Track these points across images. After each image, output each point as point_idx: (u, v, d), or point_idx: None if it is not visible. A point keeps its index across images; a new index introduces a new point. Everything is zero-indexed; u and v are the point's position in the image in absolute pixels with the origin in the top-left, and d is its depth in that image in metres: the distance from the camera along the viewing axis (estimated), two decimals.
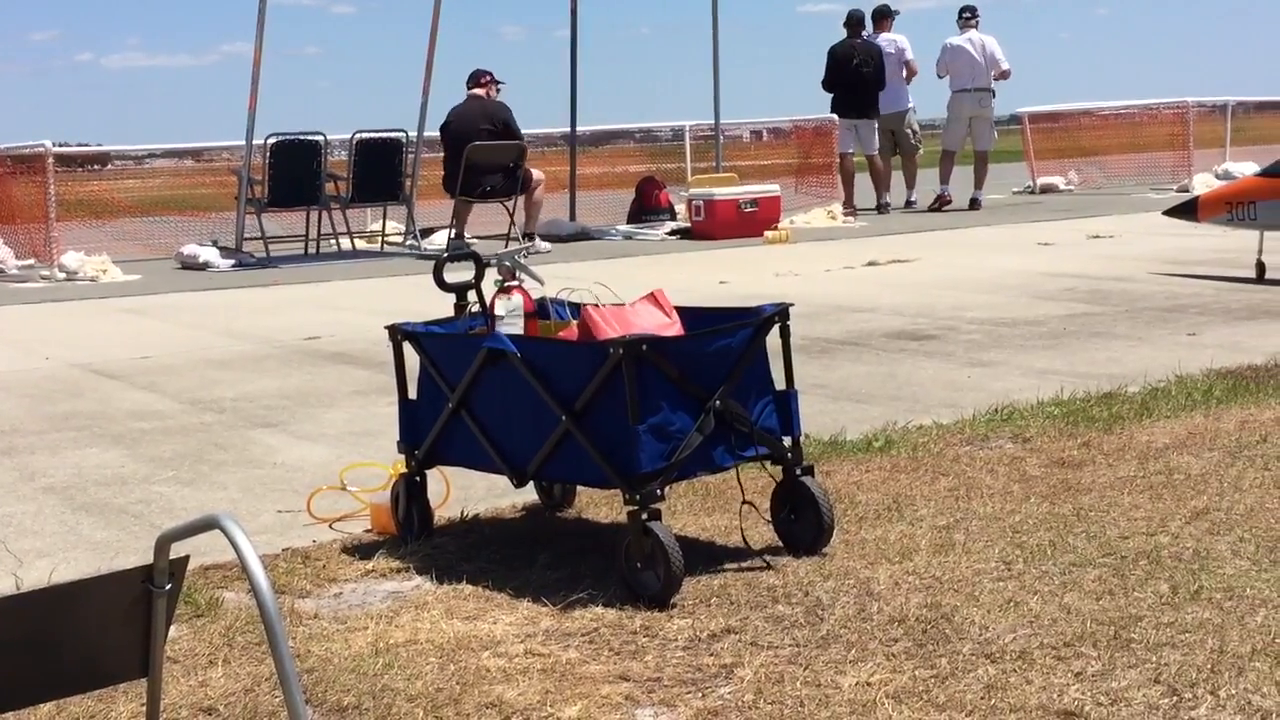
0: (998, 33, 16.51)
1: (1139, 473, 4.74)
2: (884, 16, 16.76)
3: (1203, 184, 17.10)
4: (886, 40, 16.63)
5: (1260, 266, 9.32)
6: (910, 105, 16.98)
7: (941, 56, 16.56)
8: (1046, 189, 19.61)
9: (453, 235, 13.67)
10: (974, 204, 16.51)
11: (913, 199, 16.93)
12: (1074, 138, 21.60)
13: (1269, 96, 28.48)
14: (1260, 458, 4.84)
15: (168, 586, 2.36)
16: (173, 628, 2.93)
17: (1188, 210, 10.04)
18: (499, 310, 4.32)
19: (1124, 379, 6.26)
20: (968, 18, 16.55)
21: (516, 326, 4.29)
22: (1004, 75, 16.58)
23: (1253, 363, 6.51)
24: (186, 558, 2.40)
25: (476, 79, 13.87)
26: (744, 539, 4.09)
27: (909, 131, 16.91)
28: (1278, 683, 3.02)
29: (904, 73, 16.64)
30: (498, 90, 13.83)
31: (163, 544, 2.36)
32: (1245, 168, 17.26)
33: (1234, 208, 9.41)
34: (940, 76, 16.64)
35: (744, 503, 4.11)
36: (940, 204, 16.43)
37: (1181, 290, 9.17)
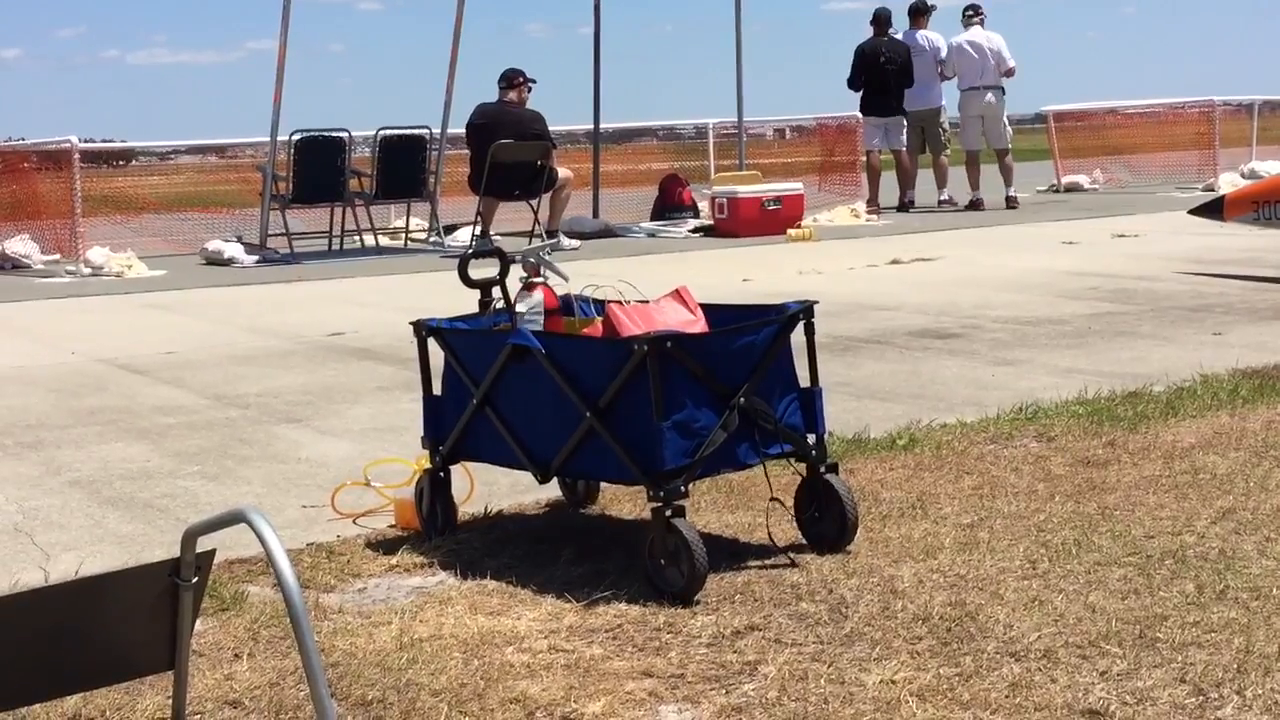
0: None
1: (1164, 472, 4.72)
2: (920, 13, 16.70)
3: (1229, 183, 17.04)
4: (922, 37, 16.57)
5: None
6: (943, 103, 16.92)
7: (948, 56, 16.49)
8: (1071, 188, 19.55)
9: (477, 232, 13.67)
10: (1011, 202, 16.37)
11: (944, 198, 16.87)
12: (1099, 136, 21.54)
13: None
14: None
15: (194, 580, 2.38)
16: (198, 621, 2.94)
17: (1214, 209, 10.02)
18: (520, 307, 4.33)
19: (1149, 378, 6.24)
20: (971, 15, 16.47)
21: (537, 324, 4.29)
22: (1009, 73, 16.48)
23: (1279, 362, 6.48)
24: (213, 551, 2.42)
25: (510, 80, 13.65)
26: (769, 536, 4.09)
27: (940, 129, 16.85)
28: None
29: (938, 70, 16.58)
30: (529, 90, 13.76)
31: (189, 538, 2.37)
32: (1271, 167, 17.22)
33: (1260, 207, 9.39)
34: (948, 77, 16.56)
35: (771, 499, 4.10)
36: (973, 208, 16.34)
37: (1207, 289, 9.14)
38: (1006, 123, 16.79)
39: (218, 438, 5.89)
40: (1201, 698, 2.98)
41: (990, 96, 16.38)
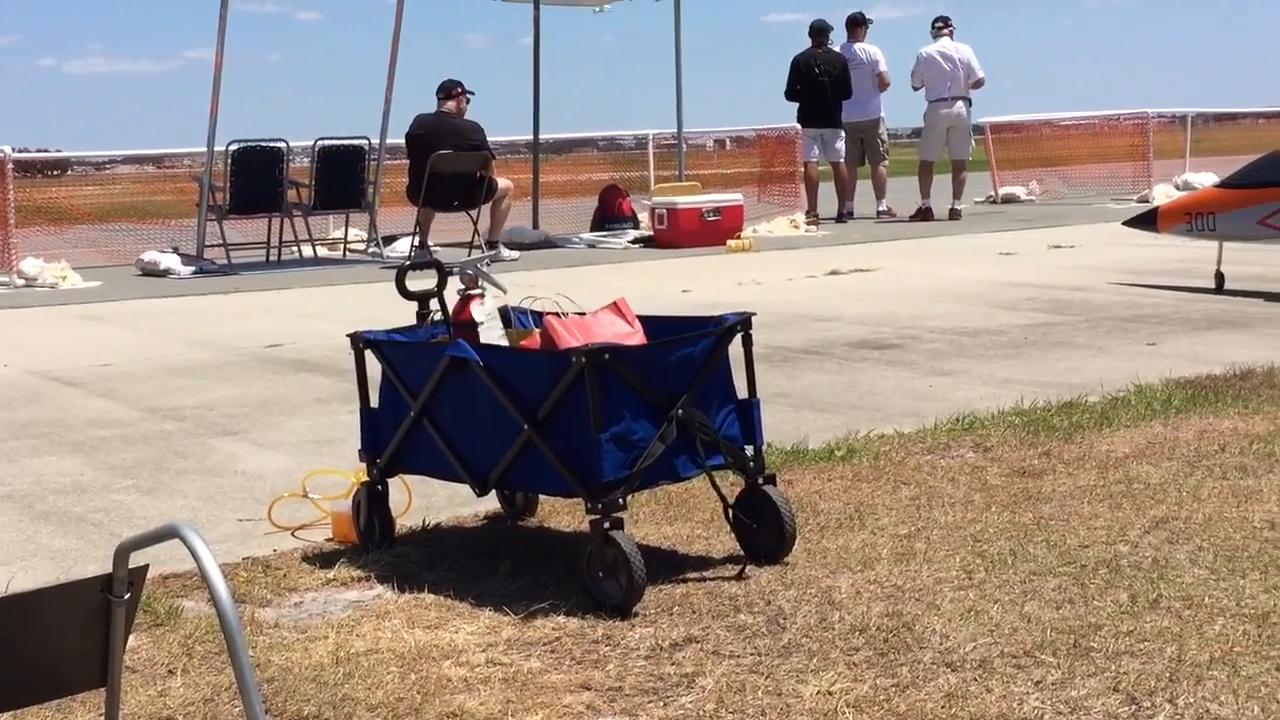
0: (963, 42, 16.45)
1: (1099, 482, 4.77)
2: (857, 24, 16.80)
3: (1163, 194, 17.22)
4: (860, 49, 16.65)
5: (1219, 277, 9.39)
6: (881, 115, 17.01)
7: (916, 67, 16.54)
8: (1008, 199, 19.70)
9: (416, 244, 13.63)
10: (954, 214, 16.43)
11: (883, 208, 16.96)
12: (1036, 147, 21.74)
13: (1228, 108, 28.80)
14: (1219, 467, 4.88)
15: (127, 596, 2.35)
16: (132, 637, 2.91)
17: (1148, 221, 10.11)
18: (477, 317, 4.31)
19: (1084, 388, 6.30)
20: (940, 27, 16.54)
21: (496, 331, 4.28)
22: (978, 84, 16.57)
23: (1211, 372, 6.56)
24: (146, 567, 2.39)
25: (448, 91, 13.66)
26: (736, 543, 4.07)
27: (879, 140, 16.94)
28: (1235, 691, 3.05)
29: (876, 82, 16.66)
30: (467, 101, 13.76)
31: (122, 553, 2.35)
32: (1205, 179, 17.42)
33: (1193, 218, 9.48)
34: (916, 88, 16.60)
35: (728, 508, 4.07)
36: (922, 218, 16.38)
37: (1141, 300, 9.24)
38: (971, 134, 16.89)
39: (153, 451, 5.84)
40: (1134, 706, 3.01)
41: (959, 107, 16.45)
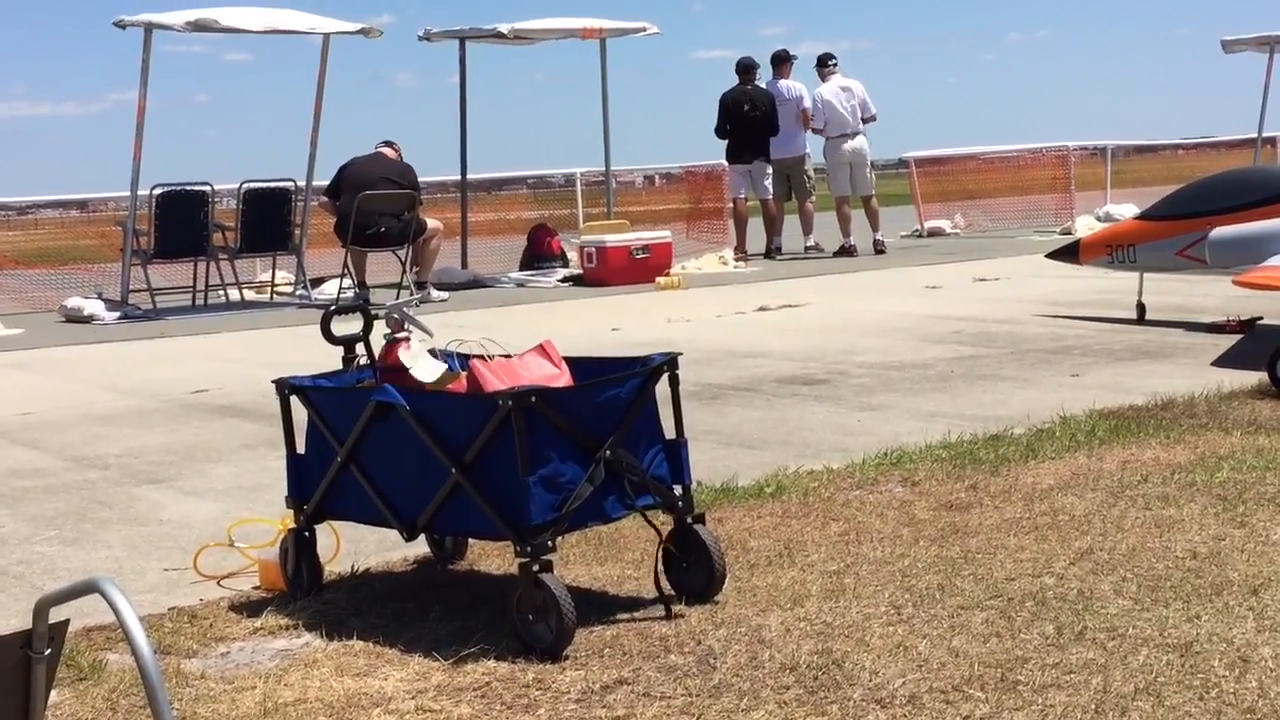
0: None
1: (1025, 514, 4.81)
2: (782, 61, 16.92)
3: (1085, 226, 17.43)
4: (786, 86, 16.75)
5: (1140, 308, 9.52)
6: (807, 151, 17.12)
7: (820, 107, 16.65)
8: (934, 232, 19.89)
9: (346, 285, 13.56)
10: (878, 247, 16.54)
11: (810, 244, 17.04)
12: (959, 181, 21.98)
13: (1147, 140, 29.28)
14: (1141, 497, 4.93)
15: (47, 652, 2.32)
16: (54, 691, 2.86)
17: (1070, 253, 10.23)
18: (405, 361, 4.30)
19: (1010, 420, 6.36)
20: (829, 65, 16.70)
21: (428, 365, 4.26)
22: (872, 119, 16.76)
23: (1134, 403, 6.63)
24: (66, 622, 2.36)
25: (390, 143, 13.92)
26: (657, 583, 4.05)
27: (805, 177, 17.04)
28: None
29: (800, 118, 16.76)
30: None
31: (42, 609, 2.32)
32: (1125, 210, 17.65)
33: (1114, 250, 9.60)
34: (818, 130, 16.70)
35: (661, 544, 4.07)
36: (846, 254, 16.46)
37: (1065, 332, 9.34)
38: (870, 167, 17.03)
39: (76, 500, 5.77)
40: None
41: (859, 141, 16.60)
